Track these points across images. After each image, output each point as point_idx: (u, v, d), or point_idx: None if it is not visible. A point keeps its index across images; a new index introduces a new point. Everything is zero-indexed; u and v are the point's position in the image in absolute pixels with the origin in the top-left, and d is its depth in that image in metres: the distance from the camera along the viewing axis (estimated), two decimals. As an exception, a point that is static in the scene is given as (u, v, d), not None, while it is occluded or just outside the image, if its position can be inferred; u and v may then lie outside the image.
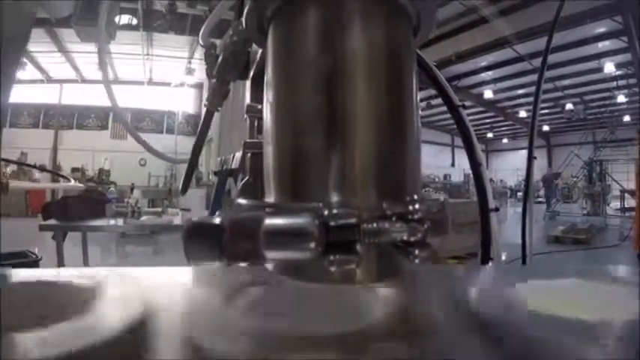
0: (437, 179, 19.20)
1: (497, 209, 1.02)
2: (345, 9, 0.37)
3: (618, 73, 12.01)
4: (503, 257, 1.40)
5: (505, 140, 26.39)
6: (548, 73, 12.53)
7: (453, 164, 23.24)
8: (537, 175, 22.18)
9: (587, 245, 7.01)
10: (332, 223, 0.30)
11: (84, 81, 14.55)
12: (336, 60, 0.36)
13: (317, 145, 0.35)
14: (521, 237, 1.15)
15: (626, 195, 11.58)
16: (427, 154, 14.70)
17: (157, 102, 15.45)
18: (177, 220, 3.46)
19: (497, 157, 27.68)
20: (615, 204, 12.32)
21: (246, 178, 0.53)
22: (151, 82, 15.21)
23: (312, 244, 0.29)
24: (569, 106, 16.89)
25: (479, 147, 1.05)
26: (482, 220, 1.01)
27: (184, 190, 0.96)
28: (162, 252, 6.36)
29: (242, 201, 0.44)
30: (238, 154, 1.61)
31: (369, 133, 0.36)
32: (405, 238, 0.32)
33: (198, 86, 15.61)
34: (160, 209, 4.01)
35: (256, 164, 0.52)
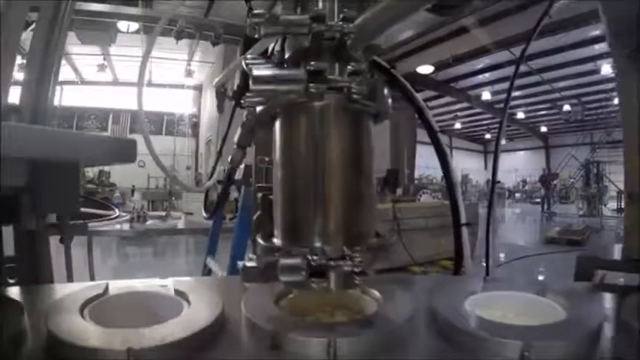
0: (434, 180, 19.28)
1: (469, 224, 1.14)
2: (323, 116, 0.55)
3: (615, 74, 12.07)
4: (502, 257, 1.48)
5: (503, 141, 26.42)
6: (545, 75, 12.63)
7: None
8: (535, 175, 22.32)
9: (582, 246, 7.08)
10: (312, 262, 0.52)
11: (83, 82, 14.62)
12: (317, 151, 0.55)
13: (306, 209, 0.56)
14: (485, 253, 1.27)
15: (622, 196, 11.67)
16: (425, 155, 14.75)
17: (157, 103, 15.52)
18: (181, 224, 3.53)
19: (496, 157, 27.78)
20: (612, 205, 12.42)
21: (258, 213, 0.69)
22: (150, 84, 15.28)
23: (303, 273, 0.52)
24: (566, 107, 16.99)
25: (454, 169, 1.16)
26: (455, 234, 1.13)
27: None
28: (162, 253, 6.45)
29: (260, 240, 0.61)
30: (241, 166, 1.69)
31: (340, 202, 0.56)
32: (352, 269, 0.53)
33: (198, 88, 15.68)
34: (164, 213, 4.08)
35: (266, 202, 0.68)
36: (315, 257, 0.51)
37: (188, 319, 0.57)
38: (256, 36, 0.54)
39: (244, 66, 0.55)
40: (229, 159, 0.77)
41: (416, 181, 12.75)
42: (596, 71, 12.25)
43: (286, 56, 0.58)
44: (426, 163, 19.49)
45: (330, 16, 0.57)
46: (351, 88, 0.52)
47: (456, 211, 1.23)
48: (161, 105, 15.45)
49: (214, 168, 1.38)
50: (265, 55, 0.61)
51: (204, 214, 1.43)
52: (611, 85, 13.01)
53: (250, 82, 0.51)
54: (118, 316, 0.61)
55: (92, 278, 1.43)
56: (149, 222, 3.68)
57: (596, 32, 9.28)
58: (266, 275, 0.51)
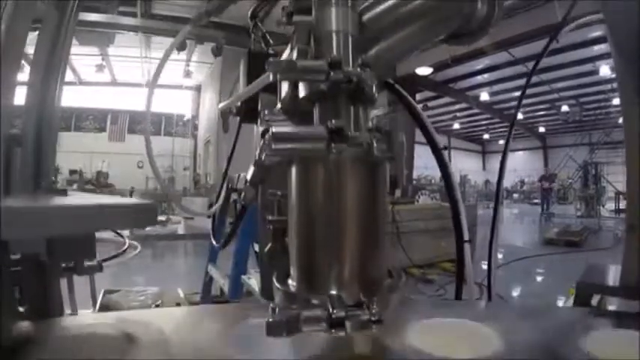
0: (433, 181, 19.28)
1: (470, 241, 1.15)
2: (341, 166, 0.55)
3: (614, 75, 12.09)
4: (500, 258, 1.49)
5: (501, 142, 26.51)
6: (544, 76, 12.65)
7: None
8: (534, 175, 22.36)
9: (579, 247, 7.11)
10: (333, 313, 0.52)
11: (82, 83, 14.60)
12: (334, 199, 0.56)
13: (323, 257, 0.57)
14: (487, 277, 1.29)
15: (620, 197, 11.70)
16: (424, 156, 14.78)
17: (155, 104, 15.49)
18: (181, 230, 3.54)
19: (494, 158, 27.85)
20: (610, 205, 12.45)
21: (270, 245, 0.71)
22: (149, 84, 15.24)
23: (324, 324, 0.52)
24: (565, 108, 17.03)
25: (457, 186, 1.16)
26: (457, 251, 1.13)
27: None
28: (161, 256, 6.44)
29: (277, 284, 0.62)
30: (243, 175, 1.69)
31: (354, 249, 0.56)
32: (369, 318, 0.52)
33: (197, 89, 15.66)
34: (164, 218, 4.09)
35: (278, 235, 0.70)
36: (334, 310, 0.52)
37: None
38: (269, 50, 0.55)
39: (264, 122, 0.55)
40: (242, 196, 0.76)
41: (414, 182, 12.76)
42: (595, 72, 12.28)
43: (301, 96, 0.58)
44: (424, 163, 19.51)
45: (345, 53, 0.58)
46: (372, 144, 0.52)
47: (459, 228, 1.22)
48: (160, 106, 15.43)
49: (220, 190, 1.38)
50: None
51: (214, 242, 1.43)
52: (609, 86, 13.05)
53: (269, 141, 0.51)
54: None
55: (92, 288, 1.42)
56: (148, 227, 3.67)
57: (596, 33, 9.31)
58: (289, 328, 0.52)
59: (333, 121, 0.51)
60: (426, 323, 0.72)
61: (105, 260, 2.90)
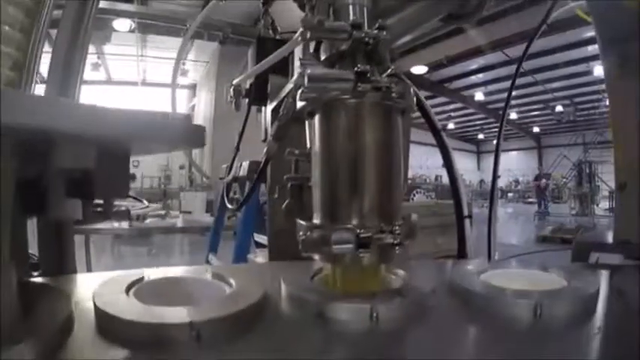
0: (427, 180, 19.36)
1: (470, 216, 1.22)
2: (359, 112, 0.62)
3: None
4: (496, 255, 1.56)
5: (496, 141, 26.63)
6: (538, 76, 12.74)
7: (444, 165, 23.30)
8: (529, 175, 22.48)
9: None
10: (361, 233, 0.59)
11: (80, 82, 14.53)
12: (355, 143, 0.62)
13: (346, 191, 0.63)
14: (487, 241, 1.37)
15: (614, 196, 11.79)
16: (419, 155, 14.81)
17: (151, 103, 15.46)
18: (180, 223, 3.56)
19: (489, 158, 27.94)
20: (604, 204, 12.54)
21: (288, 201, 0.77)
22: (144, 83, 15.23)
23: (351, 245, 0.58)
24: (559, 108, 17.16)
25: (456, 165, 1.24)
26: (458, 225, 1.21)
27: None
28: (157, 252, 6.46)
29: (300, 222, 0.67)
30: (245, 164, 1.74)
31: (375, 185, 0.63)
32: (391, 242, 0.60)
33: (192, 87, 15.66)
34: (163, 212, 4.09)
35: (296, 192, 0.76)
36: (361, 231, 0.58)
37: (237, 296, 0.62)
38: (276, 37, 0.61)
39: (299, 64, 0.61)
40: (265, 151, 0.82)
41: (409, 181, 12.82)
42: (589, 72, 12.38)
43: (322, 58, 0.65)
44: (419, 163, 19.59)
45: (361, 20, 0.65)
46: (391, 88, 0.58)
47: (459, 204, 1.30)
48: (155, 104, 15.41)
49: (232, 163, 1.44)
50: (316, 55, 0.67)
51: (229, 206, 1.48)
52: (603, 86, 13.13)
53: (305, 80, 0.57)
54: (164, 298, 0.63)
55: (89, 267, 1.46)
56: (148, 220, 3.68)
57: (589, 34, 9.40)
58: (321, 246, 0.57)
59: (359, 65, 0.57)
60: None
61: (133, 208, 2.93)
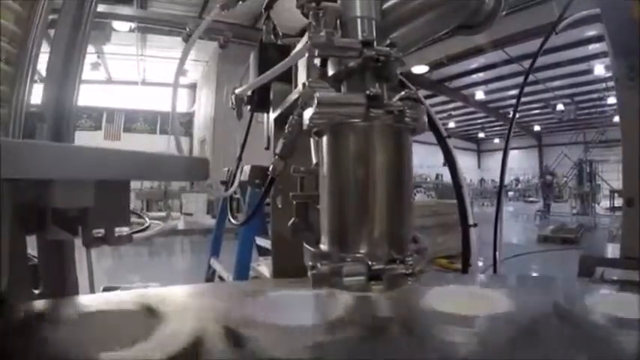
0: (428, 179, 19.37)
1: (475, 225, 1.20)
2: (372, 133, 0.59)
3: (608, 75, 12.20)
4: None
5: (496, 140, 26.65)
6: (539, 75, 12.72)
7: (445, 164, 23.28)
8: (529, 174, 22.50)
9: (575, 244, 7.16)
10: (372, 266, 0.56)
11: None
12: (366, 167, 0.59)
13: (356, 218, 0.60)
14: (493, 250, 1.35)
15: (615, 195, 11.78)
16: (419, 154, 14.79)
17: (151, 102, 15.47)
18: (181, 225, 3.54)
19: (489, 156, 27.99)
20: (605, 203, 12.52)
21: (294, 219, 0.75)
22: (144, 83, 15.23)
23: (363, 278, 0.56)
24: (559, 106, 17.14)
25: (461, 172, 1.22)
26: (463, 234, 1.18)
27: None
28: (158, 253, 6.45)
29: (308, 247, 0.66)
30: (247, 167, 1.72)
31: (387, 212, 0.60)
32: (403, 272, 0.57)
33: (192, 87, 15.65)
34: (164, 214, 4.09)
35: (301, 210, 0.74)
36: (373, 263, 0.55)
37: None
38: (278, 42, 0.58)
39: (307, 88, 0.59)
40: (270, 169, 0.80)
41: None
42: (590, 71, 12.36)
43: (329, 74, 0.62)
44: (419, 162, 19.55)
45: (370, 36, 0.62)
46: (405, 111, 0.56)
47: (464, 213, 1.28)
48: (155, 104, 15.42)
49: (235, 174, 1.42)
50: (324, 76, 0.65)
51: (233, 221, 1.47)
52: (604, 85, 13.14)
53: (314, 104, 0.54)
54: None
55: (91, 283, 1.44)
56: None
57: (591, 33, 9.38)
58: (332, 280, 0.55)
59: (371, 89, 0.55)
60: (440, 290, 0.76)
61: (135, 232, 2.91)
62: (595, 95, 15.01)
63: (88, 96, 14.68)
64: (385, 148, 0.59)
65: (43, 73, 1.06)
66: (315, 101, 0.54)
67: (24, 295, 0.83)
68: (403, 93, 0.57)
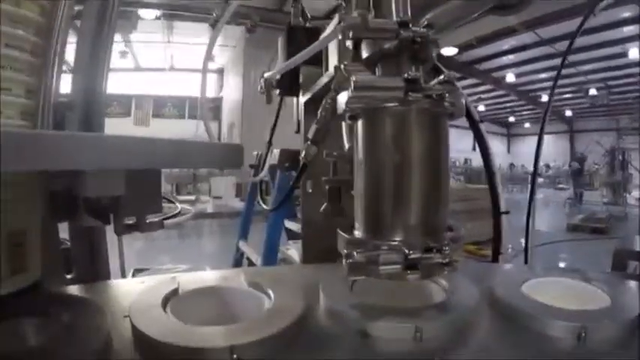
0: (457, 163, 19.09)
1: (507, 212, 1.18)
2: (409, 118, 0.58)
3: (644, 59, 11.72)
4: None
5: (527, 125, 26.00)
6: (571, 57, 12.28)
7: (474, 148, 22.78)
8: (559, 160, 21.94)
9: (605, 235, 6.97)
10: (409, 255, 0.56)
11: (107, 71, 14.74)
12: (403, 153, 0.58)
13: (392, 205, 0.59)
14: (525, 241, 1.31)
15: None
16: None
17: (179, 88, 15.61)
18: (210, 208, 3.58)
19: (519, 141, 27.36)
20: (636, 193, 12.13)
21: (326, 204, 0.75)
22: (172, 69, 15.37)
23: (399, 267, 0.56)
24: (592, 91, 16.57)
25: (494, 158, 1.19)
26: (494, 221, 1.17)
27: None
28: (187, 235, 6.56)
29: (341, 233, 0.64)
30: (276, 151, 1.73)
31: (423, 199, 0.59)
32: (440, 261, 0.57)
33: (219, 72, 15.71)
34: (193, 197, 4.15)
35: (334, 194, 0.74)
36: (410, 251, 0.55)
37: (277, 312, 0.59)
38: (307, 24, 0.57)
39: (343, 71, 0.58)
40: (302, 154, 0.79)
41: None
42: (624, 54, 11.89)
43: (363, 56, 0.61)
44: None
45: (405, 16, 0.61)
46: (444, 95, 0.55)
47: (496, 199, 1.26)
48: (183, 89, 15.54)
49: (265, 158, 1.43)
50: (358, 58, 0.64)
51: (264, 206, 1.49)
52: (638, 70, 12.62)
53: (351, 88, 0.54)
54: (202, 312, 0.63)
55: (122, 267, 1.48)
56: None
57: (625, 14, 9.01)
58: (368, 270, 0.55)
59: (409, 72, 0.54)
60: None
61: (166, 218, 2.96)
62: (629, 80, 14.44)
63: (117, 83, 14.93)
64: (423, 133, 0.58)
65: (72, 64, 1.07)
66: (352, 85, 0.53)
67: (57, 279, 0.86)
68: (442, 77, 0.56)
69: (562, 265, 5.42)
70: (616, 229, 7.48)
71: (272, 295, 0.65)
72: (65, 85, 0.99)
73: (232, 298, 0.68)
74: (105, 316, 0.57)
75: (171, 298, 0.65)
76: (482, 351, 0.56)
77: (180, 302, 0.64)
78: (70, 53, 0.98)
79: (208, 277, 0.78)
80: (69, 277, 0.95)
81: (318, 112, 0.72)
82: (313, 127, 0.74)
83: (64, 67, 0.92)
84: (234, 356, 0.48)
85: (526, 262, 1.31)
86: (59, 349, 0.47)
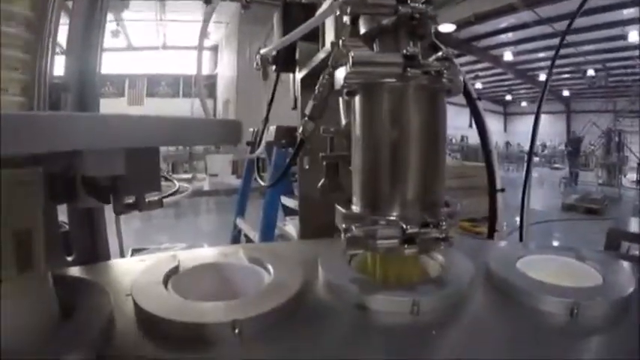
0: (454, 140, 19.09)
1: (503, 190, 1.19)
2: (406, 94, 0.57)
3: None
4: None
5: (524, 103, 25.91)
6: (569, 38, 12.16)
7: (470, 125, 22.80)
8: (555, 140, 21.97)
9: (600, 216, 7.02)
10: (407, 229, 0.56)
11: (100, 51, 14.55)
12: (400, 128, 0.58)
13: (389, 180, 0.59)
14: (520, 219, 1.33)
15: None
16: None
17: (172, 66, 15.45)
18: (207, 186, 3.58)
19: (516, 120, 27.28)
20: (632, 176, 12.20)
21: (323, 180, 0.75)
22: (165, 47, 15.18)
23: (397, 241, 0.56)
24: (590, 72, 16.49)
25: (491, 135, 1.19)
26: (490, 199, 1.18)
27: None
28: (184, 214, 6.57)
29: (340, 208, 0.65)
30: (272, 128, 1.72)
31: (420, 174, 0.59)
32: (437, 236, 0.57)
33: (214, 49, 15.52)
34: (189, 176, 4.14)
35: (331, 170, 0.74)
36: (407, 226, 0.55)
37: (277, 286, 0.61)
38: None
39: (341, 47, 0.58)
40: (300, 130, 0.79)
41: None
42: (624, 37, 11.79)
43: (361, 32, 0.61)
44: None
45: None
46: (442, 72, 0.55)
47: (492, 177, 1.27)
48: (177, 67, 15.37)
49: (262, 135, 1.43)
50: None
51: (261, 182, 1.49)
52: (638, 53, 12.54)
53: (349, 64, 0.53)
54: (203, 288, 0.64)
55: (121, 247, 1.48)
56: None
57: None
58: (367, 243, 0.56)
59: (408, 48, 0.53)
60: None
61: (164, 197, 2.94)
62: (628, 62, 14.34)
63: (110, 64, 14.75)
64: (421, 109, 0.58)
65: (64, 46, 1.05)
66: (351, 60, 0.53)
67: (58, 262, 0.86)
68: (440, 53, 0.56)
69: (556, 243, 5.47)
70: (610, 211, 7.54)
71: (272, 270, 0.66)
72: (58, 67, 0.99)
73: (232, 274, 0.69)
74: (108, 296, 0.57)
75: (172, 275, 0.65)
76: (477, 325, 0.57)
77: (181, 279, 0.65)
78: (61, 35, 0.97)
79: (208, 254, 0.78)
80: (69, 259, 0.96)
81: (316, 88, 0.71)
82: (310, 103, 0.74)
83: (57, 49, 0.91)
84: (236, 331, 0.48)
85: (521, 239, 1.32)
86: (63, 331, 0.48)
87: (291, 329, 0.54)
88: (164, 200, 0.69)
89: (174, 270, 0.67)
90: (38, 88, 0.66)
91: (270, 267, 0.67)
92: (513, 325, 0.57)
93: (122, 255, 1.51)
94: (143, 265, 0.74)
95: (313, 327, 0.55)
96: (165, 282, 0.63)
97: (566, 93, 22.74)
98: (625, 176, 11.87)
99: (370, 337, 0.54)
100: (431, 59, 0.56)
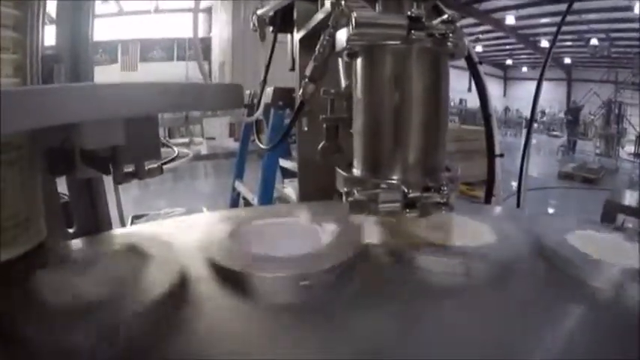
0: (452, 103, 18.97)
1: (502, 155, 1.19)
2: (408, 56, 0.57)
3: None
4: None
5: (524, 69, 25.62)
6: (574, 5, 11.89)
7: (469, 89, 22.58)
8: (555, 107, 21.85)
9: (595, 185, 7.07)
10: (409, 193, 0.56)
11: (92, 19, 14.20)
12: (403, 90, 0.58)
13: (391, 143, 0.59)
14: (517, 184, 1.34)
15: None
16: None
17: (166, 30, 15.10)
18: (204, 150, 3.57)
19: (516, 85, 27.00)
20: (630, 148, 12.22)
21: (323, 143, 0.75)
22: (157, 11, 14.82)
23: (398, 204, 0.57)
24: (593, 41, 16.24)
25: (491, 100, 1.19)
26: (488, 163, 1.18)
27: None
28: (182, 178, 6.58)
29: (340, 171, 0.65)
30: (270, 89, 1.70)
31: (423, 137, 0.59)
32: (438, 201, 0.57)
33: (207, 11, 15.17)
34: (187, 140, 4.12)
35: (331, 133, 0.74)
36: (409, 190, 0.56)
37: (342, 241, 0.62)
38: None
39: (344, 7, 0.56)
40: (300, 92, 0.78)
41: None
42: (630, 8, 11.57)
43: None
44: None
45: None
46: (447, 35, 0.53)
47: (491, 141, 1.27)
48: (170, 31, 15.03)
49: (260, 97, 1.42)
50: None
51: (260, 145, 1.49)
52: (641, 26, 12.32)
53: (352, 25, 0.52)
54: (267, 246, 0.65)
55: (121, 215, 1.48)
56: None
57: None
58: (369, 206, 0.56)
59: (412, 9, 0.52)
60: None
61: (164, 163, 2.95)
62: (632, 34, 14.10)
63: (100, 30, 14.40)
64: (424, 72, 0.57)
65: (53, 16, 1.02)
66: (354, 22, 0.52)
67: (59, 234, 0.86)
68: (445, 16, 0.54)
69: (551, 211, 5.53)
70: (607, 181, 7.58)
71: (328, 228, 0.67)
72: (49, 37, 0.96)
73: (293, 232, 0.71)
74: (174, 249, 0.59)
75: (236, 232, 0.67)
76: (524, 294, 0.57)
77: (246, 236, 0.66)
78: (50, 4, 0.94)
79: (261, 212, 0.80)
80: (71, 231, 0.96)
81: (316, 49, 0.70)
82: (311, 65, 0.73)
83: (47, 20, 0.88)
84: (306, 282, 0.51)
85: (518, 205, 1.33)
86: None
87: (354, 283, 0.56)
88: (165, 167, 0.69)
89: (237, 228, 0.68)
90: (30, 64, 0.65)
91: (325, 225, 0.68)
92: (563, 295, 0.56)
93: (122, 223, 1.52)
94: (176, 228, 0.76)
95: (373, 282, 0.58)
96: (233, 237, 0.64)
97: (567, 60, 22.46)
98: (623, 148, 11.88)
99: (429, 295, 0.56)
100: (435, 22, 0.54)
